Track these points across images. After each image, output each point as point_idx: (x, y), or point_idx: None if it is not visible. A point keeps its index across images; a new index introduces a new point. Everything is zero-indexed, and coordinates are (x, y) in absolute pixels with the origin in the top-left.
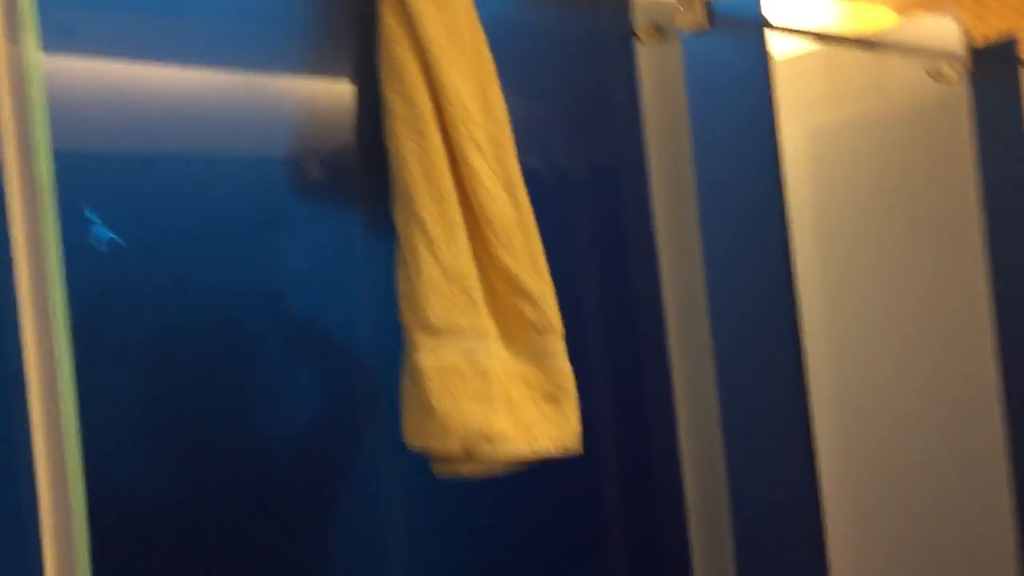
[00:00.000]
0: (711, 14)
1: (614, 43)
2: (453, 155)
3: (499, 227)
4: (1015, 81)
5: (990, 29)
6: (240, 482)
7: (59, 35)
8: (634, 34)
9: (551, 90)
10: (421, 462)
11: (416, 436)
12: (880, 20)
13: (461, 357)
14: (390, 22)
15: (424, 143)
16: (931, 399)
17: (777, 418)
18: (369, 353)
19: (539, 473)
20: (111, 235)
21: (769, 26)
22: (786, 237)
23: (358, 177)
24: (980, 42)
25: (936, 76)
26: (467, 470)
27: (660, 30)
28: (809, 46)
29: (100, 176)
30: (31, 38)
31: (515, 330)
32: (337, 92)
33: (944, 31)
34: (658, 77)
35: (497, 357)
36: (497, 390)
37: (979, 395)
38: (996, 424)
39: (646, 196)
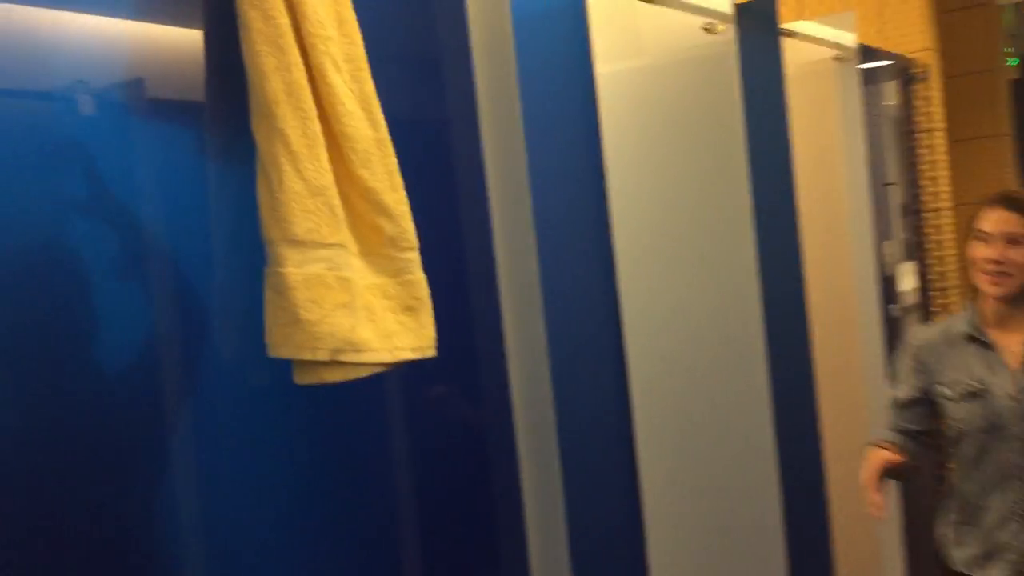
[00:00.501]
0: None
1: None
2: (311, 72)
3: (357, 144)
4: (775, 32)
5: None
6: (84, 404)
7: None
8: None
9: (378, 32)
10: (272, 376)
11: (283, 346)
12: None
13: (326, 269)
14: None
15: (284, 58)
16: (705, 326)
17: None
18: (215, 271)
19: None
20: None
21: None
22: (603, 182)
23: (207, 97)
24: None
25: (709, 30)
26: (331, 376)
27: None
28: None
29: None
30: None
31: (373, 245)
32: (185, 12)
33: None
34: (487, 22)
35: (357, 270)
36: (360, 301)
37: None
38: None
39: (478, 144)
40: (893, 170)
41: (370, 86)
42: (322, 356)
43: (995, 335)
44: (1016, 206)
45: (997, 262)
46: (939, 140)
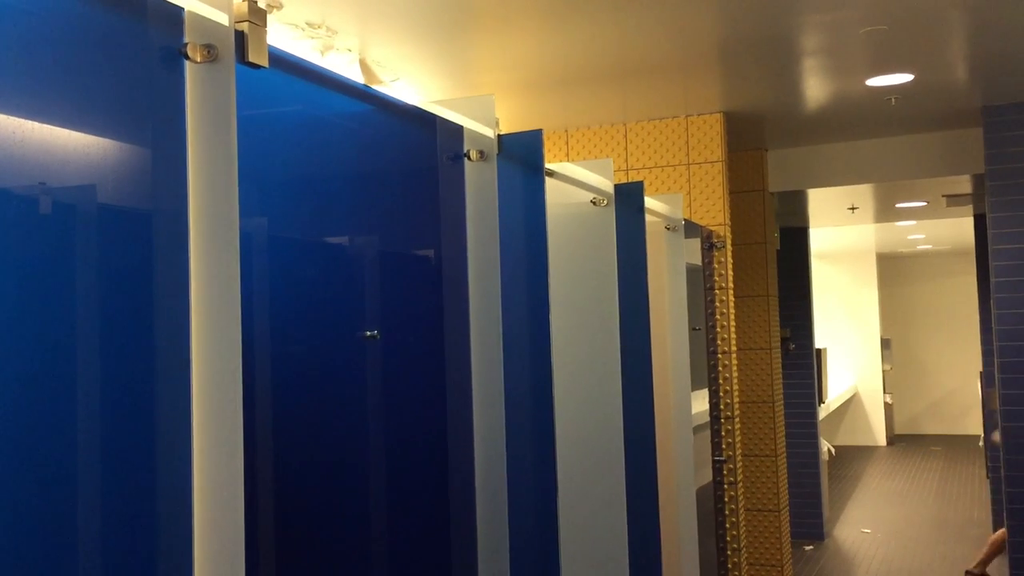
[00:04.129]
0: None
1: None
2: None
3: None
4: (641, 206)
5: (630, 172)
6: None
7: None
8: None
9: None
10: None
11: None
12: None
13: None
14: None
15: None
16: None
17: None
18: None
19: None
20: None
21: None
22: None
23: None
24: (621, 180)
25: (596, 202)
26: None
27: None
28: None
29: None
30: None
31: None
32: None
33: (601, 172)
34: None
35: None
36: None
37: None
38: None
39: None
40: (697, 317)
41: None
42: None
43: None
44: None
45: None
46: (729, 296)
